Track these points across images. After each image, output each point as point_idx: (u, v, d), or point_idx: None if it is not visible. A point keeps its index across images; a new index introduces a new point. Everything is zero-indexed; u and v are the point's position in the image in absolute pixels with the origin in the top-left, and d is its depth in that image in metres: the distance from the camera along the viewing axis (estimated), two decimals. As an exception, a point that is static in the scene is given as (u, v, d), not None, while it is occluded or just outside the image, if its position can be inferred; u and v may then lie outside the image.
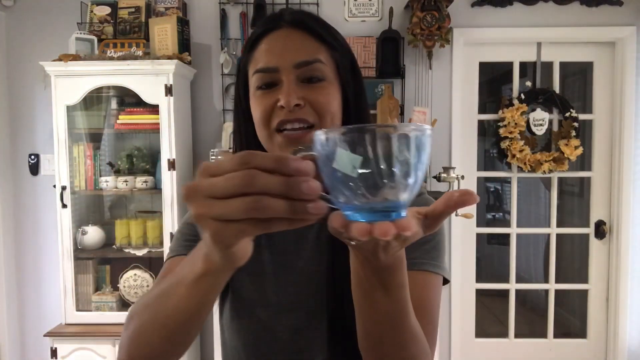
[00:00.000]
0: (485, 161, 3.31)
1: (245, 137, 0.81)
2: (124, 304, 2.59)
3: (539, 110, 2.81)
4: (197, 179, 0.40)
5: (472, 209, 2.85)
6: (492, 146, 3.06)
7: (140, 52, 2.46)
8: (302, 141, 0.72)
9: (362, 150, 0.39)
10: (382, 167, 0.39)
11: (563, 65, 2.87)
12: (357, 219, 0.41)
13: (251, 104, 0.77)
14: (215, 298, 0.53)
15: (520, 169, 2.83)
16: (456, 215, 2.62)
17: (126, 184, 2.54)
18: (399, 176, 0.39)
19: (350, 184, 0.39)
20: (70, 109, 2.47)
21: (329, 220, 0.41)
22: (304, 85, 0.72)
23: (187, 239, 0.79)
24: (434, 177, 2.58)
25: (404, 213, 0.42)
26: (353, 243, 0.46)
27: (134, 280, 2.55)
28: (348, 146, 0.39)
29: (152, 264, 2.60)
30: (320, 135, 0.41)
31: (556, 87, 2.84)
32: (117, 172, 2.63)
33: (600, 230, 2.88)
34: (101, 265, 2.67)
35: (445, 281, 0.78)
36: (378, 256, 0.48)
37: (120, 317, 2.52)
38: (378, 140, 0.38)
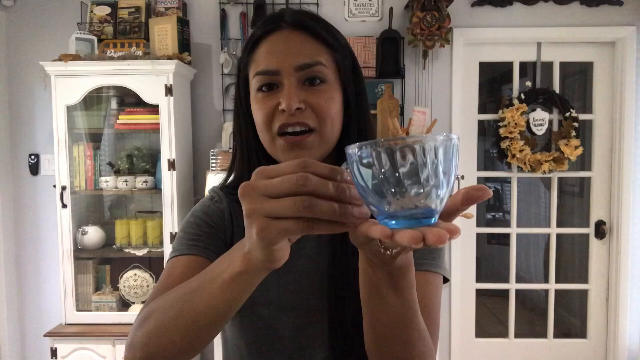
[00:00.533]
0: (485, 161, 3.31)
1: (245, 137, 0.81)
2: (124, 304, 2.59)
3: (539, 110, 2.81)
4: (253, 179, 0.44)
5: (472, 209, 2.85)
6: (492, 146, 3.06)
7: (140, 52, 2.46)
8: (302, 145, 0.72)
9: (397, 160, 0.40)
10: (417, 175, 0.40)
11: (563, 65, 2.87)
12: (393, 226, 0.42)
13: (252, 106, 0.77)
14: (246, 298, 0.55)
15: (520, 169, 2.83)
16: (456, 215, 2.62)
17: (126, 184, 2.54)
18: (433, 183, 0.41)
19: (387, 192, 0.41)
20: (70, 109, 2.47)
21: (364, 230, 0.43)
22: (305, 88, 0.73)
23: (191, 238, 0.78)
24: (434, 177, 2.57)
25: (437, 217, 0.43)
26: (389, 252, 0.48)
27: (134, 280, 2.55)
28: (383, 157, 0.41)
29: (152, 264, 2.60)
30: (354, 148, 0.42)
31: (556, 87, 2.84)
32: (117, 172, 2.63)
33: (600, 230, 2.88)
34: (101, 265, 2.67)
35: (445, 280, 0.78)
36: (396, 260, 0.49)
37: (120, 317, 2.52)
38: (413, 149, 0.40)
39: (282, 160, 0.75)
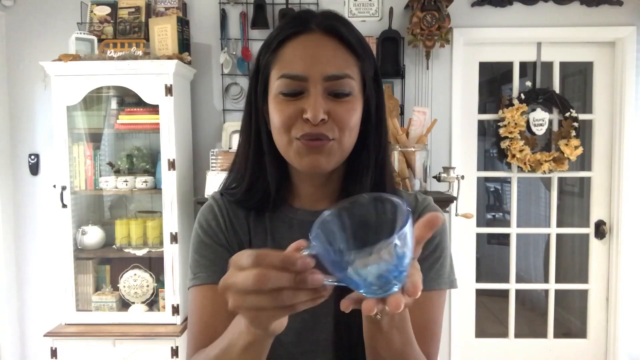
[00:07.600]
0: (485, 161, 3.31)
1: (255, 136, 0.79)
2: (124, 304, 2.59)
3: (539, 110, 2.81)
4: (229, 272, 0.49)
5: (472, 209, 2.85)
6: (492, 146, 3.06)
7: (140, 52, 2.46)
8: (321, 150, 0.71)
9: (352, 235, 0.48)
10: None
11: (563, 65, 2.87)
12: (367, 295, 0.48)
13: (271, 107, 0.75)
14: (266, 353, 0.62)
15: (520, 169, 2.83)
16: (456, 215, 2.62)
17: (126, 184, 2.54)
18: (397, 258, 0.44)
19: (349, 265, 0.46)
20: (70, 109, 2.47)
21: (362, 309, 0.48)
22: (329, 99, 0.71)
23: (206, 264, 0.79)
24: (434, 177, 2.57)
25: (398, 285, 0.47)
26: (378, 316, 0.56)
27: (134, 281, 2.55)
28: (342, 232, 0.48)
29: (152, 264, 2.60)
30: (318, 230, 0.48)
31: (556, 87, 2.84)
32: (117, 172, 2.62)
33: (600, 230, 2.88)
34: (101, 265, 2.67)
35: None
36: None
37: (120, 317, 2.52)
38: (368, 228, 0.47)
39: (297, 165, 0.74)
